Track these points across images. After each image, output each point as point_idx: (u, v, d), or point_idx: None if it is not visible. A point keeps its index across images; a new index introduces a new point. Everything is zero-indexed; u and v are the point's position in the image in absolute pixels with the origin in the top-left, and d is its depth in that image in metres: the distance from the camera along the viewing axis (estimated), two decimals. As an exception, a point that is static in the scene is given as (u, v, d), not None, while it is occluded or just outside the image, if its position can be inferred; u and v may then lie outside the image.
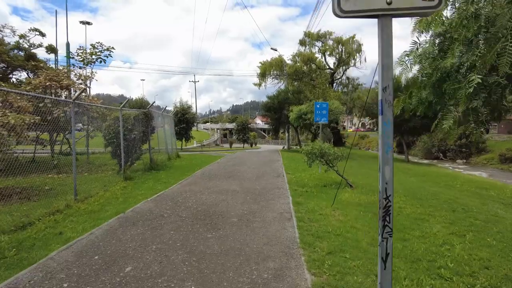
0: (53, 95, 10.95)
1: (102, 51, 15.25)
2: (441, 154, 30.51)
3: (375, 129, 24.00)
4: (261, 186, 8.33)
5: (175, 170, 11.60)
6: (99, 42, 15.00)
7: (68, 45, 26.98)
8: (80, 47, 14.06)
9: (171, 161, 13.74)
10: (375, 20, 1.70)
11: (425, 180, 10.81)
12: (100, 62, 15.17)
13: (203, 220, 5.23)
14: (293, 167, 12.50)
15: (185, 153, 22.07)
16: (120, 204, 6.49)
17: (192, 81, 71.94)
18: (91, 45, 15.14)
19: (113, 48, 15.46)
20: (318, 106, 11.42)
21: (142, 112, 11.27)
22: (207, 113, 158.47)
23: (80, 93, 6.79)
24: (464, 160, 28.57)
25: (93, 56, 14.63)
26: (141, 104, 37.67)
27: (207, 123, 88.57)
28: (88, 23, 33.52)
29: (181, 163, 13.63)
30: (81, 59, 14.15)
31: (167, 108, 16.34)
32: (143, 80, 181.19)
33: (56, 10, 76.77)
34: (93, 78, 13.32)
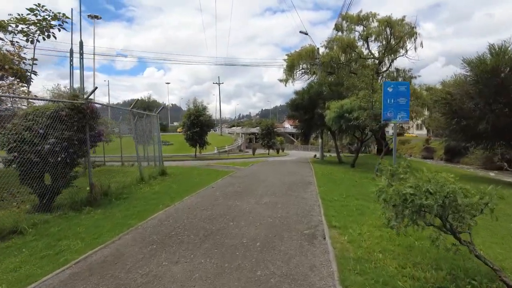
0: None
1: (47, 19, 10.39)
2: (505, 164, 23.78)
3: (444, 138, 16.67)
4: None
5: (129, 206, 6.64)
6: (39, 4, 10.20)
7: (81, 43, 24.31)
8: (18, 15, 9.59)
9: (141, 185, 8.77)
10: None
11: None
12: (49, 36, 10.53)
13: None
14: (339, 203, 6.94)
15: (191, 164, 17.23)
16: None
17: (216, 83, 68.45)
18: (28, 9, 10.04)
19: (65, 16, 10.75)
20: (390, 89, 5.85)
21: (70, 106, 6.44)
22: (236, 117, 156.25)
23: None
24: (543, 173, 21.50)
25: (31, 27, 10.05)
26: (147, 105, 33.78)
27: (233, 127, 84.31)
28: (96, 17, 30.55)
29: (154, 189, 8.57)
30: (14, 30, 9.60)
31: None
32: (168, 83, 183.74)
33: (72, 9, 76.62)
34: (19, 54, 8.91)
